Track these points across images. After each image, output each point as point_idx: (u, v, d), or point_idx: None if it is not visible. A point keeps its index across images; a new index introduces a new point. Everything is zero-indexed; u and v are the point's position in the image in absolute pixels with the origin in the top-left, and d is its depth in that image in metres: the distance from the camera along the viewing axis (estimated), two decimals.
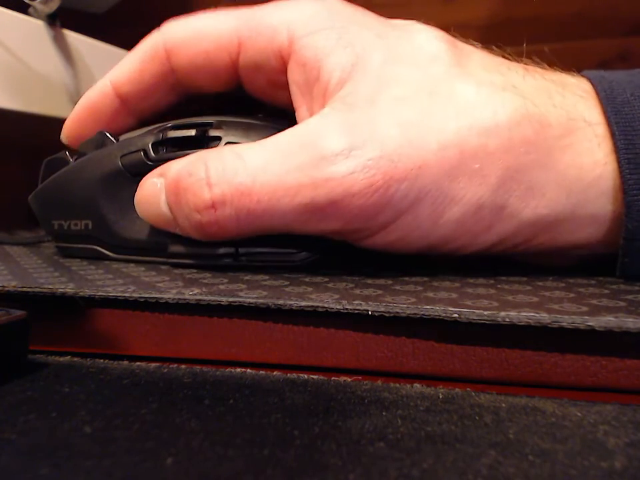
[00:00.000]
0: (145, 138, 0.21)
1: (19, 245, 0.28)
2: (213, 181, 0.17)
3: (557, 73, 0.19)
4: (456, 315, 0.14)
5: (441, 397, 0.13)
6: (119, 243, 0.22)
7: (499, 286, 0.17)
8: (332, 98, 0.18)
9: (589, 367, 0.14)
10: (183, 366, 0.15)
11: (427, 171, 0.17)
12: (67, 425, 0.12)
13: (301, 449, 0.10)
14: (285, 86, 0.20)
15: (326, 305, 0.15)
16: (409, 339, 0.15)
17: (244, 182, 0.17)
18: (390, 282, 0.17)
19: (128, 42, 0.39)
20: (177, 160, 0.19)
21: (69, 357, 0.16)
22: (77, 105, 0.23)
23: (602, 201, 0.17)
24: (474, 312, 0.14)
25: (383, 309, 0.14)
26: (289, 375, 0.15)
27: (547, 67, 0.19)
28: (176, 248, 0.20)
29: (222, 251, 0.19)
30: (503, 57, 0.19)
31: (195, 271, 0.20)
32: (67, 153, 0.23)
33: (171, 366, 0.15)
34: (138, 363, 0.16)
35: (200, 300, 0.15)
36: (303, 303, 0.15)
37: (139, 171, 0.20)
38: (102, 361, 0.16)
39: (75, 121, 0.23)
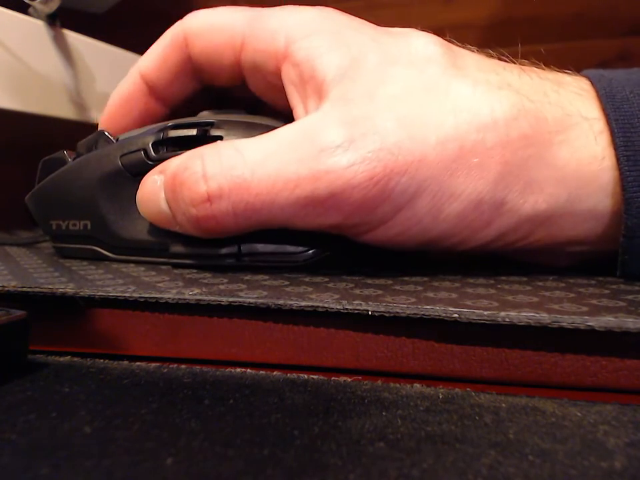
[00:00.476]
0: (145, 137, 0.21)
1: (19, 245, 0.28)
2: (209, 175, 0.17)
3: (553, 72, 0.19)
4: (456, 315, 0.14)
5: (440, 396, 0.13)
6: (119, 243, 0.21)
7: (499, 286, 0.17)
8: (328, 95, 0.18)
9: (589, 367, 0.14)
10: (183, 366, 0.15)
11: (427, 165, 0.17)
12: (67, 424, 0.12)
13: (301, 449, 0.10)
14: (282, 89, 0.20)
15: (326, 305, 0.15)
16: (409, 339, 0.15)
17: (242, 175, 0.17)
18: (390, 282, 0.17)
19: (128, 42, 0.40)
20: (177, 156, 0.19)
21: (69, 357, 0.16)
22: (110, 97, 0.24)
23: (600, 196, 0.17)
24: (474, 312, 0.14)
25: (382, 309, 0.14)
26: (288, 375, 0.15)
27: (544, 66, 0.19)
28: (177, 248, 0.20)
29: (224, 251, 0.19)
30: (499, 58, 0.19)
31: (194, 271, 0.20)
32: (65, 152, 0.23)
33: (170, 366, 0.15)
34: (138, 363, 0.16)
35: (200, 300, 0.15)
36: (303, 303, 0.15)
37: (139, 170, 0.20)
38: (102, 361, 0.16)
39: (111, 112, 0.24)
